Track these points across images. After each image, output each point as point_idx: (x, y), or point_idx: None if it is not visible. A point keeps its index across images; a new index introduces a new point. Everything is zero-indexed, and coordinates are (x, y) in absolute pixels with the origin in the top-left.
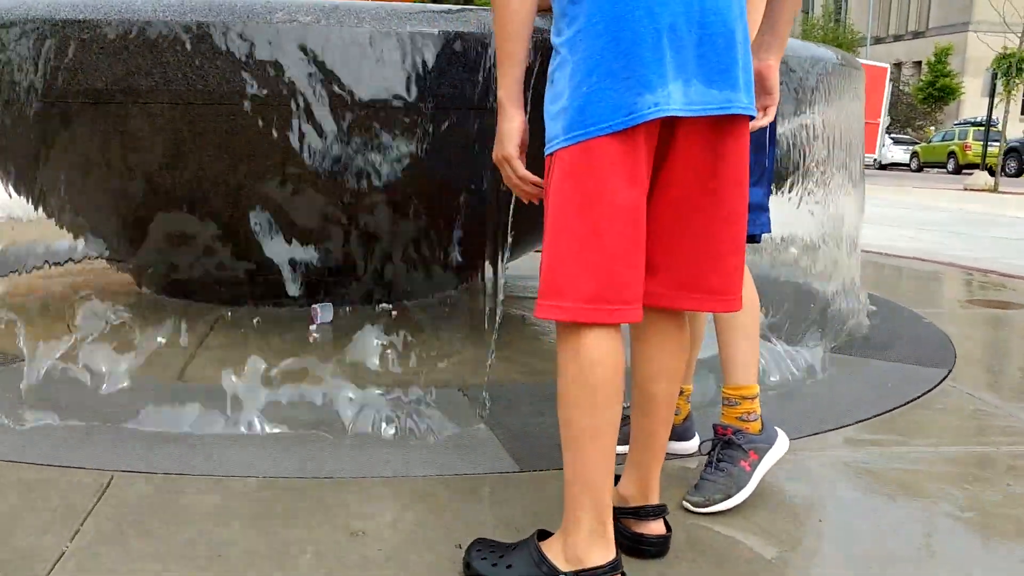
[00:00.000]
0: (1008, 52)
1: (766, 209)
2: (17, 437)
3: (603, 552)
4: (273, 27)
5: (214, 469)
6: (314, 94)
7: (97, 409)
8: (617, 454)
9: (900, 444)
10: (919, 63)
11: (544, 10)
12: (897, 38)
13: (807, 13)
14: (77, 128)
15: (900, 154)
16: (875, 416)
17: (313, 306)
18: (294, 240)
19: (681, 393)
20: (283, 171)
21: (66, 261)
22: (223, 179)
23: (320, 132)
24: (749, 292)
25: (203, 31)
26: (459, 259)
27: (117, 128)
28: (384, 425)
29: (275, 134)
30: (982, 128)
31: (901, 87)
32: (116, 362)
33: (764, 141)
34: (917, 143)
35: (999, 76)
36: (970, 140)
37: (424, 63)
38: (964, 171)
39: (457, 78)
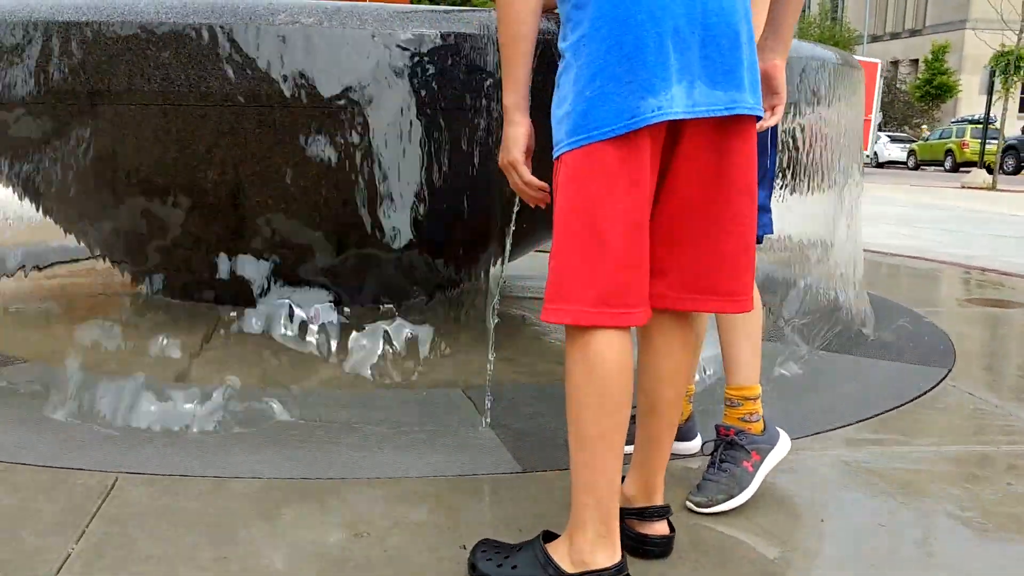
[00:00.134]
0: (1006, 49)
1: (768, 210)
2: (21, 438)
3: (609, 555)
4: (276, 28)
5: (218, 471)
6: (315, 94)
7: (100, 411)
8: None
9: (901, 444)
10: (916, 61)
11: (549, 9)
12: (894, 36)
13: (804, 11)
14: (77, 128)
15: (897, 152)
16: (875, 416)
17: (315, 306)
18: (297, 241)
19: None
20: (284, 172)
21: (68, 261)
22: (226, 180)
23: (328, 133)
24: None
25: (211, 32)
26: (459, 259)
27: (118, 129)
28: (385, 425)
29: (278, 136)
30: (980, 126)
31: (898, 85)
32: (119, 363)
33: (766, 143)
34: (914, 141)
35: (997, 73)
36: (968, 138)
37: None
38: (961, 169)
39: (462, 79)
